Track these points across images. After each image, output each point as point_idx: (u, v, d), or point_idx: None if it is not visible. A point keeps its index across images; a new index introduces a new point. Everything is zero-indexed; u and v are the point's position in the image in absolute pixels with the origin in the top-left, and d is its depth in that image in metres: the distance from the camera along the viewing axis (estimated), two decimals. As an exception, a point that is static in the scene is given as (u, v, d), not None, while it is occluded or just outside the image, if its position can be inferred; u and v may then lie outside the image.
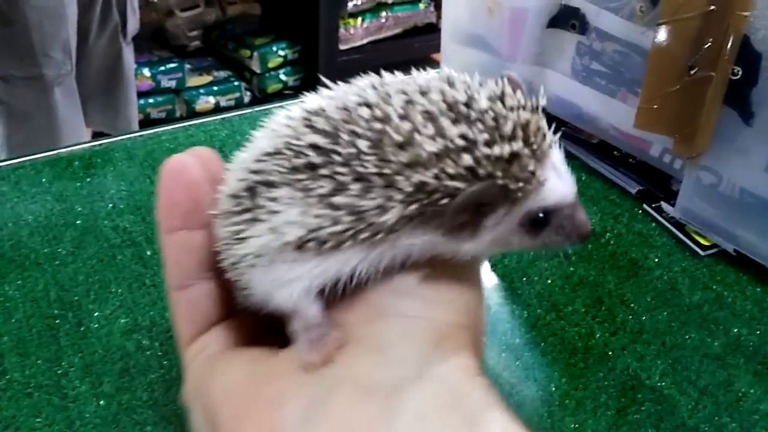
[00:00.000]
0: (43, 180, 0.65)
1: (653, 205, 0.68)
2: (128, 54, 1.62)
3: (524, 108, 0.31)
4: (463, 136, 0.29)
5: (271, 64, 2.40)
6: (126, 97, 1.65)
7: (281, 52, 2.40)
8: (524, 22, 0.74)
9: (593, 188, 0.70)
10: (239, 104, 2.37)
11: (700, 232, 0.64)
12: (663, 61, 0.63)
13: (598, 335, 0.54)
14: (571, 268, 0.61)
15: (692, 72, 0.62)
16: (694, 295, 0.59)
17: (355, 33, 2.40)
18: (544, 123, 0.32)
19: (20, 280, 0.55)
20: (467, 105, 0.30)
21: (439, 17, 2.38)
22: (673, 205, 0.66)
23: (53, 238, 0.59)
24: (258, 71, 2.40)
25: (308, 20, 2.31)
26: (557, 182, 0.31)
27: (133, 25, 1.60)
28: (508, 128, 0.30)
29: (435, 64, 0.83)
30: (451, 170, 0.29)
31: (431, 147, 0.29)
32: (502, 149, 0.29)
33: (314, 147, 0.30)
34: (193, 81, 2.35)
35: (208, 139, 0.73)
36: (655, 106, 0.66)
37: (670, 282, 0.60)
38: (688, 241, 0.64)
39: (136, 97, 1.71)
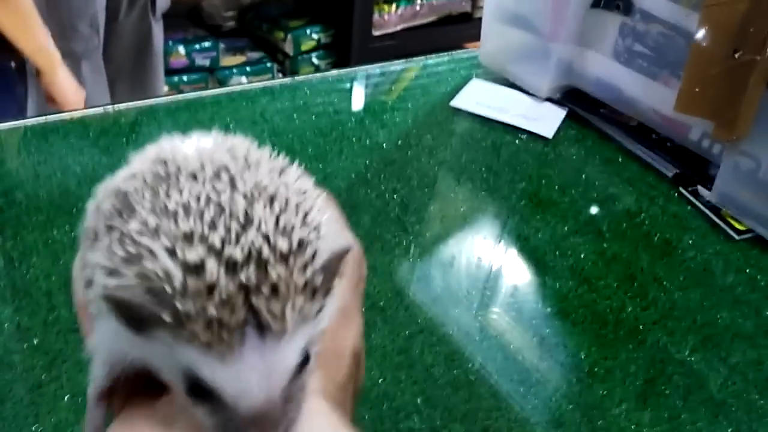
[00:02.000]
0: (91, 135, 0.67)
1: (689, 189, 0.68)
2: (158, 31, 1.64)
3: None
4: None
5: (304, 47, 2.41)
6: (154, 74, 1.66)
7: (315, 36, 2.41)
8: (568, 1, 0.74)
9: (629, 170, 0.70)
10: (271, 86, 2.38)
11: (736, 217, 0.64)
12: (707, 44, 0.63)
13: (629, 309, 0.55)
14: (605, 245, 0.61)
15: (736, 56, 0.61)
16: (727, 276, 0.59)
17: (389, 19, 2.40)
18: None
19: (67, 225, 0.56)
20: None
21: (474, 7, 2.38)
22: (709, 190, 0.66)
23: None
24: (291, 53, 2.41)
25: (343, 4, 2.32)
26: None
27: (163, 2, 1.62)
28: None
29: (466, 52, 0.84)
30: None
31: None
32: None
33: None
34: (227, 60, 2.37)
35: (249, 105, 0.75)
36: (697, 90, 0.66)
37: (704, 263, 0.60)
38: (723, 225, 0.64)
39: (163, 74, 1.73)
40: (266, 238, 0.23)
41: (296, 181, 0.27)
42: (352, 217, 0.60)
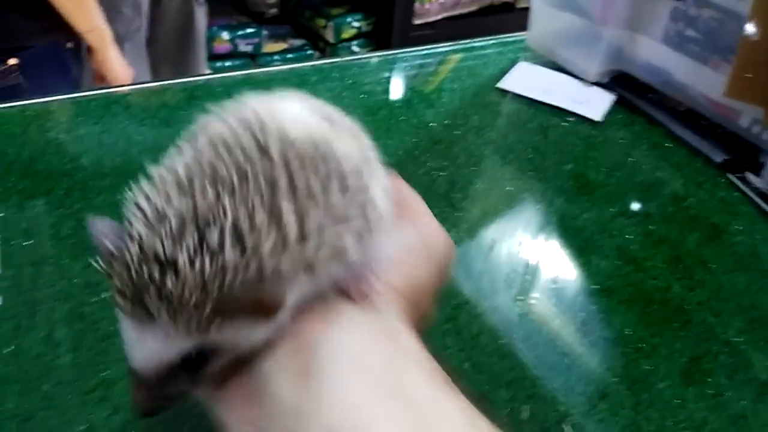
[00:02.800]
0: (151, 106, 0.70)
1: (737, 175, 0.67)
2: (200, 15, 1.67)
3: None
4: None
5: (344, 35, 2.43)
6: (197, 57, 1.70)
7: (356, 24, 2.42)
8: (620, -15, 0.74)
9: (677, 155, 0.70)
10: (311, 72, 2.41)
11: (786, 204, 0.64)
12: (759, 30, 0.63)
13: (675, 290, 0.55)
14: (651, 227, 0.61)
15: (791, 41, 0.61)
16: (775, 261, 0.59)
17: (431, 8, 2.41)
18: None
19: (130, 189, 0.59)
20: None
21: (516, -3, 2.36)
22: (758, 176, 0.66)
23: (160, 157, 0.63)
24: (332, 41, 2.43)
25: (385, -8, 2.33)
26: None
27: (207, -13, 1.65)
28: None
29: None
30: None
31: None
32: None
33: None
34: (269, 47, 2.40)
35: (299, 83, 0.77)
36: (749, 75, 0.66)
37: (751, 248, 0.60)
38: (772, 211, 0.63)
39: (206, 58, 1.76)
40: (189, 247, 0.25)
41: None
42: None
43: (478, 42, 0.88)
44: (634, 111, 0.76)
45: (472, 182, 0.65)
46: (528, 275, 0.57)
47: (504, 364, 0.49)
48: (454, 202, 0.62)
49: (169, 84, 0.74)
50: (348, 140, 0.31)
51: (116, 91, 0.72)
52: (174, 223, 0.26)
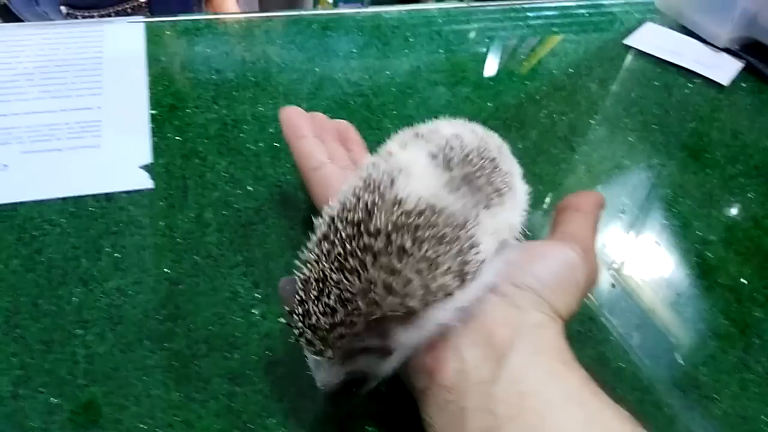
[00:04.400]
0: (288, 33, 0.74)
1: None
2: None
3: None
4: None
5: None
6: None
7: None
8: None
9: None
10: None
11: None
12: None
13: (795, 249, 0.55)
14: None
15: None
16: None
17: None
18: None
19: (270, 102, 0.64)
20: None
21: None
22: None
23: (297, 78, 0.67)
24: None
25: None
26: None
27: None
28: None
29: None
30: None
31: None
32: None
33: None
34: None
35: (426, 24, 0.79)
36: None
37: None
38: None
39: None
40: (338, 298, 0.33)
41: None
42: (521, 131, 0.64)
43: (606, 0, 0.87)
44: (763, 80, 0.74)
45: (593, 129, 0.66)
46: (643, 216, 0.57)
47: (614, 292, 0.50)
48: (573, 146, 0.63)
49: (305, 15, 0.78)
50: (462, 195, 0.36)
51: (256, 17, 0.76)
52: (314, 291, 0.34)
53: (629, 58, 0.76)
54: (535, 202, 0.53)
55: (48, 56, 0.65)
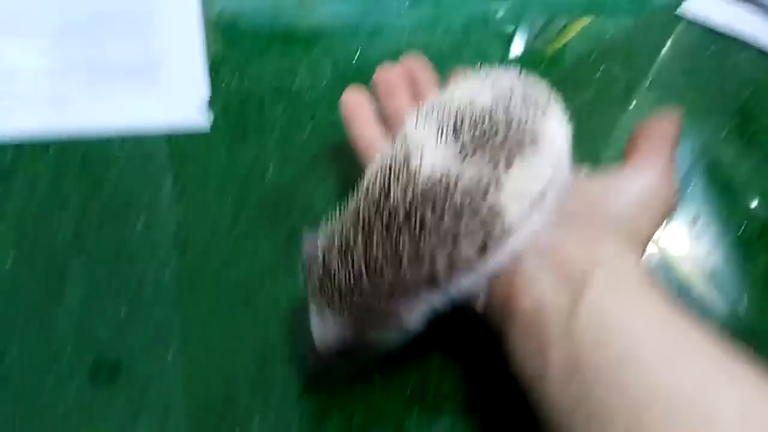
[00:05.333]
0: None
1: None
2: None
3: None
4: None
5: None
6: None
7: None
8: None
9: None
10: None
11: None
12: None
13: None
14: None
15: None
16: None
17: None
18: None
19: (324, 49, 0.64)
20: None
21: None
22: None
23: (350, 28, 0.67)
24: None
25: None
26: None
27: None
28: None
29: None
30: None
31: None
32: None
33: None
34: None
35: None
36: None
37: None
38: None
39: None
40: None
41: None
42: (576, 92, 0.63)
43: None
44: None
45: (649, 91, 0.65)
46: (694, 186, 0.57)
47: (654, 262, 0.50)
48: (627, 109, 0.63)
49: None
50: (475, 163, 0.34)
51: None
52: (334, 252, 0.35)
53: (681, 26, 0.75)
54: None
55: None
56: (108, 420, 0.39)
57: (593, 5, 0.77)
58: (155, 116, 0.55)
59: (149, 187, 0.50)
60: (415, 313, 0.35)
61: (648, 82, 0.67)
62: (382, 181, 0.34)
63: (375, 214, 0.34)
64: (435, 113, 0.38)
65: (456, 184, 0.33)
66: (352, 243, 0.34)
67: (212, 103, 0.57)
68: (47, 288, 0.44)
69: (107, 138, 0.53)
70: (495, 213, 0.33)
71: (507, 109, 0.36)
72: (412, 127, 0.38)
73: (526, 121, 0.36)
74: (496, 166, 0.34)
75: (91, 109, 0.55)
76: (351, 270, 0.33)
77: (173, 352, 0.41)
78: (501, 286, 0.36)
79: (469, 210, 0.33)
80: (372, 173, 0.36)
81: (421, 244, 0.33)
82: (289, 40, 0.64)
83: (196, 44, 0.62)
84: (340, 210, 0.36)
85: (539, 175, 0.36)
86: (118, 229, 0.47)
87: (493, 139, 0.35)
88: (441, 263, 0.33)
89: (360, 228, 0.34)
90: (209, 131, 0.55)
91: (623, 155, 0.42)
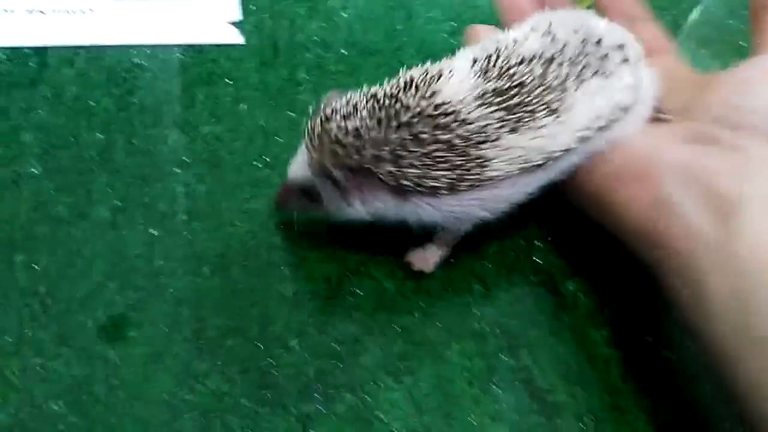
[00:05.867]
0: None
1: None
2: None
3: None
4: None
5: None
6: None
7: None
8: None
9: None
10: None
11: None
12: None
13: None
14: None
15: None
16: None
17: None
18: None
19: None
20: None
21: None
22: None
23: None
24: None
25: None
26: None
27: None
28: None
29: None
30: None
31: None
32: None
33: None
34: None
35: None
36: None
37: None
38: None
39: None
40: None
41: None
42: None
43: None
44: None
45: (697, 26, 0.62)
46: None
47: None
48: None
49: None
50: (489, 112, 0.35)
51: None
52: (338, 108, 0.36)
53: None
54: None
55: None
56: (143, 336, 0.38)
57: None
58: (187, 28, 0.52)
59: (181, 100, 0.47)
60: (364, 207, 0.36)
61: (701, 19, 0.64)
62: (409, 80, 0.36)
63: (387, 101, 0.35)
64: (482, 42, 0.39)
65: (461, 123, 0.34)
66: (353, 110, 0.35)
67: (245, 18, 0.54)
68: (75, 202, 0.41)
69: (135, 49, 0.50)
70: (479, 164, 0.34)
71: (552, 64, 0.36)
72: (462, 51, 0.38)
73: (566, 85, 0.36)
74: (501, 125, 0.35)
75: (119, 19, 0.52)
76: (341, 127, 0.35)
77: (209, 269, 0.40)
78: (648, 222, 0.34)
79: (459, 150, 0.34)
80: (410, 73, 0.37)
81: (403, 153, 0.34)
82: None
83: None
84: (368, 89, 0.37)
85: (544, 146, 0.35)
86: (148, 144, 0.45)
87: (514, 96, 0.35)
88: (408, 179, 0.34)
89: (369, 104, 0.35)
90: (243, 45, 0.52)
91: (752, 42, 0.39)
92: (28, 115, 0.45)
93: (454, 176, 0.34)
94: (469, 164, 0.34)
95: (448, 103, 0.35)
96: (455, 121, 0.34)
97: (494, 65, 0.36)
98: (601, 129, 0.36)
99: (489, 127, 0.34)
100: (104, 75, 0.48)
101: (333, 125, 0.35)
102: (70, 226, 0.40)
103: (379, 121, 0.35)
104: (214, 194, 0.42)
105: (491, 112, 0.34)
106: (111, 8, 0.53)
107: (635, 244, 0.35)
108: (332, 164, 0.35)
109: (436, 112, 0.34)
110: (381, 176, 0.34)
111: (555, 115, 0.35)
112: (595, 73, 0.36)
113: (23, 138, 0.44)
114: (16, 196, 0.41)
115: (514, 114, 0.35)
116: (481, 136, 0.34)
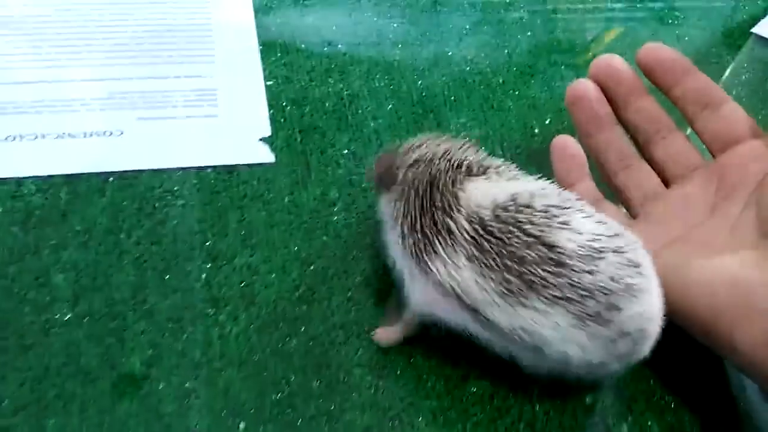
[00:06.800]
0: (398, 5, 0.70)
1: None
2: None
3: None
4: None
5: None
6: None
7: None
8: None
9: None
10: None
11: None
12: None
13: None
14: None
15: None
16: None
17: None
18: None
19: (386, 77, 0.60)
20: None
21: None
22: None
23: (410, 53, 0.64)
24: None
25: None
26: None
27: None
28: None
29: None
30: None
31: None
32: None
33: None
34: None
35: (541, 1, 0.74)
36: None
37: None
38: None
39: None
40: None
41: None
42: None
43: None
44: None
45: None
46: None
47: None
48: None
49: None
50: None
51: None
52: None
53: (760, 47, 0.71)
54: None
55: (156, 21, 0.62)
56: None
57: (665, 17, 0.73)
58: (217, 148, 0.52)
59: (214, 228, 0.46)
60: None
61: (738, 100, 0.62)
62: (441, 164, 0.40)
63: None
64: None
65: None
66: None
67: (274, 134, 0.54)
68: (107, 352, 0.40)
69: (168, 172, 0.50)
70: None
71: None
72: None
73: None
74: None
75: (149, 141, 0.52)
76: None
77: (245, 424, 0.38)
78: (758, 347, 0.33)
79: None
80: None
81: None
82: (349, 68, 0.61)
83: (255, 72, 0.58)
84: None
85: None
86: (180, 282, 0.43)
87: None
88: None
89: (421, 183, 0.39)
90: (274, 164, 0.51)
91: None
92: (58, 254, 0.44)
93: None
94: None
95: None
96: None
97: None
98: None
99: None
100: (136, 204, 0.48)
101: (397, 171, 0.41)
102: (100, 381, 0.39)
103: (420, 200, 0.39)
104: (248, 338, 0.41)
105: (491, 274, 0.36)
106: (140, 130, 0.52)
107: (748, 372, 0.36)
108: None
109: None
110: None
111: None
112: None
113: (54, 280, 0.43)
114: (47, 347, 0.40)
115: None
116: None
